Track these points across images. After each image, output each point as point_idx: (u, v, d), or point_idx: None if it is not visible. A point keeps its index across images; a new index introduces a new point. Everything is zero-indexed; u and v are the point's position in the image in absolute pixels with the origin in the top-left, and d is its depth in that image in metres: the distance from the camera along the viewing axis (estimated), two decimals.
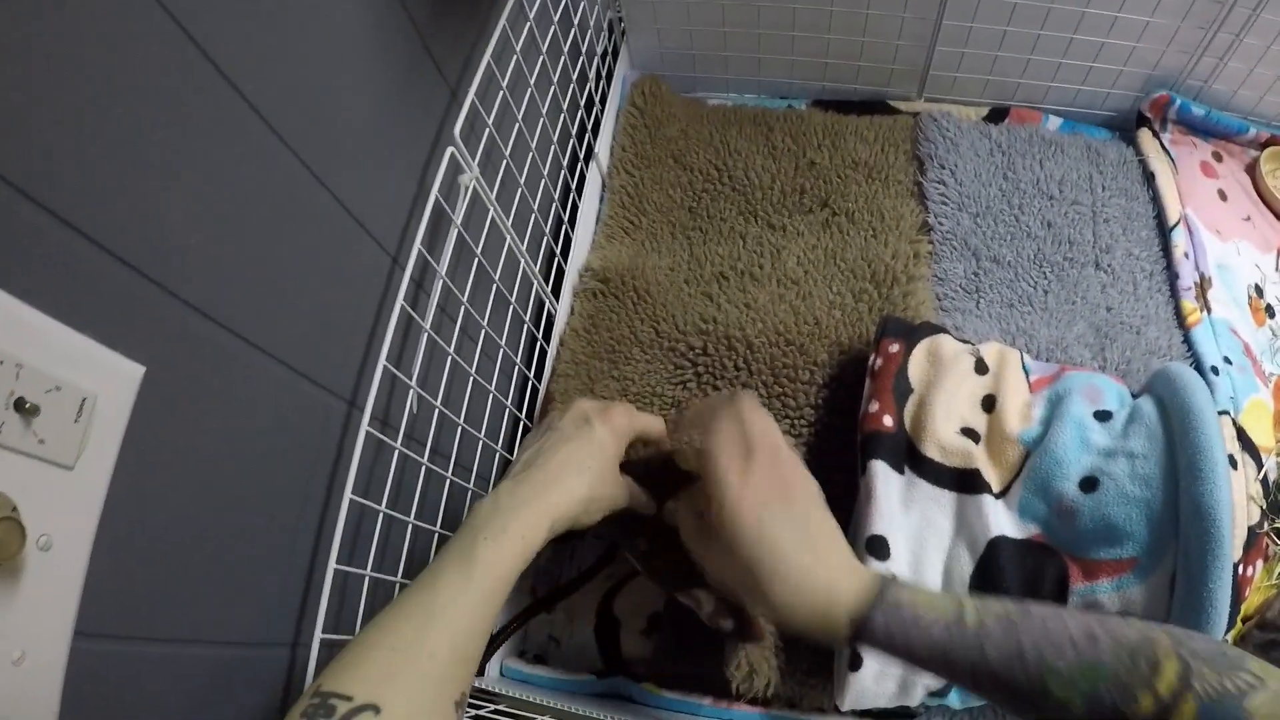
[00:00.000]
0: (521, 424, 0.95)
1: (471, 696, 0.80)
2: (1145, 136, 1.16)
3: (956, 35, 1.10)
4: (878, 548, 0.80)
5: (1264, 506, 0.92)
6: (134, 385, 0.48)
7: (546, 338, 1.00)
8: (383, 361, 0.67)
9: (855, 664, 0.77)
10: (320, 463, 0.68)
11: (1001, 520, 0.81)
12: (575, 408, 0.74)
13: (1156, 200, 1.11)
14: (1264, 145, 1.20)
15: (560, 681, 0.86)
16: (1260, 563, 0.92)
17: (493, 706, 0.79)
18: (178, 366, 0.51)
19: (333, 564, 0.61)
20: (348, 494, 0.63)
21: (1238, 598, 0.87)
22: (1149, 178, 1.13)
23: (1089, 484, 0.78)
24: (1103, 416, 0.83)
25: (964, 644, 0.56)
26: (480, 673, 0.85)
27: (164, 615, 0.53)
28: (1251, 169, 1.19)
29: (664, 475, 0.75)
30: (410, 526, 0.72)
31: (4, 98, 0.40)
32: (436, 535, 0.77)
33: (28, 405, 0.41)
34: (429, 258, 0.73)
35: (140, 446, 0.48)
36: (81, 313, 0.44)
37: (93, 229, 0.45)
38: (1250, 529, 0.88)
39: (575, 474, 0.68)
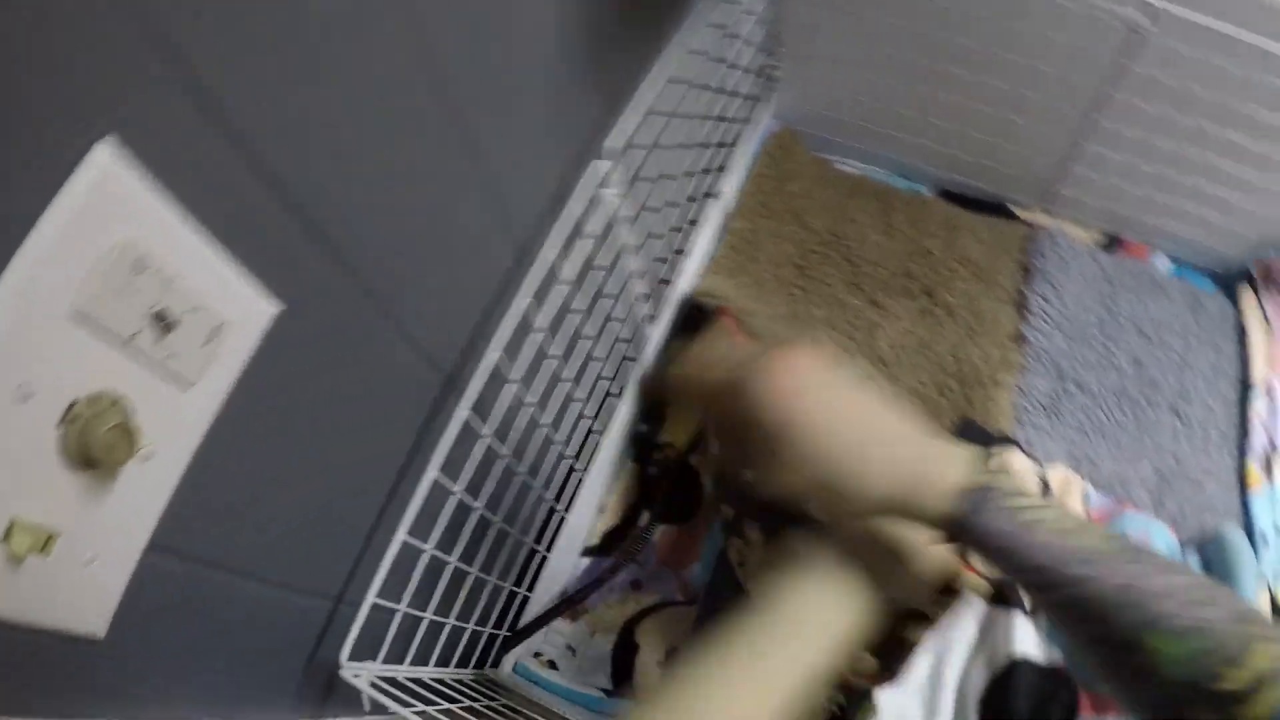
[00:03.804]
0: (600, 441, 0.92)
1: (482, 686, 0.78)
2: (1248, 296, 1.12)
3: (1091, 158, 1.06)
4: None
5: None
6: (266, 321, 0.47)
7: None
8: (495, 353, 0.65)
9: None
10: (410, 434, 0.66)
11: (1027, 641, 0.76)
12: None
13: (1244, 360, 1.07)
14: None
15: (567, 690, 0.83)
16: None
17: (503, 700, 0.76)
18: (309, 315, 0.50)
19: (403, 534, 0.58)
20: (433, 472, 0.61)
21: None
22: (1242, 336, 1.08)
23: None
24: None
25: (1072, 562, 0.49)
26: (495, 664, 0.82)
27: (230, 546, 0.51)
28: None
29: None
30: (479, 515, 0.69)
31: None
32: (495, 529, 0.74)
33: (167, 320, 0.40)
34: (555, 262, 0.71)
35: (255, 380, 0.46)
36: (238, 242, 0.43)
37: (267, 168, 0.43)
38: None
39: None
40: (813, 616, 0.59)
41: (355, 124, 0.50)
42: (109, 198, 0.36)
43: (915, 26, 1.00)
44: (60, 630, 0.41)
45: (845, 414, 0.54)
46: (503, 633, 0.82)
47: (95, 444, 0.38)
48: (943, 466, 0.53)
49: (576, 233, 0.72)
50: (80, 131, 0.34)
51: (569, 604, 0.87)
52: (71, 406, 0.37)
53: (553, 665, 0.86)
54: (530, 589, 0.87)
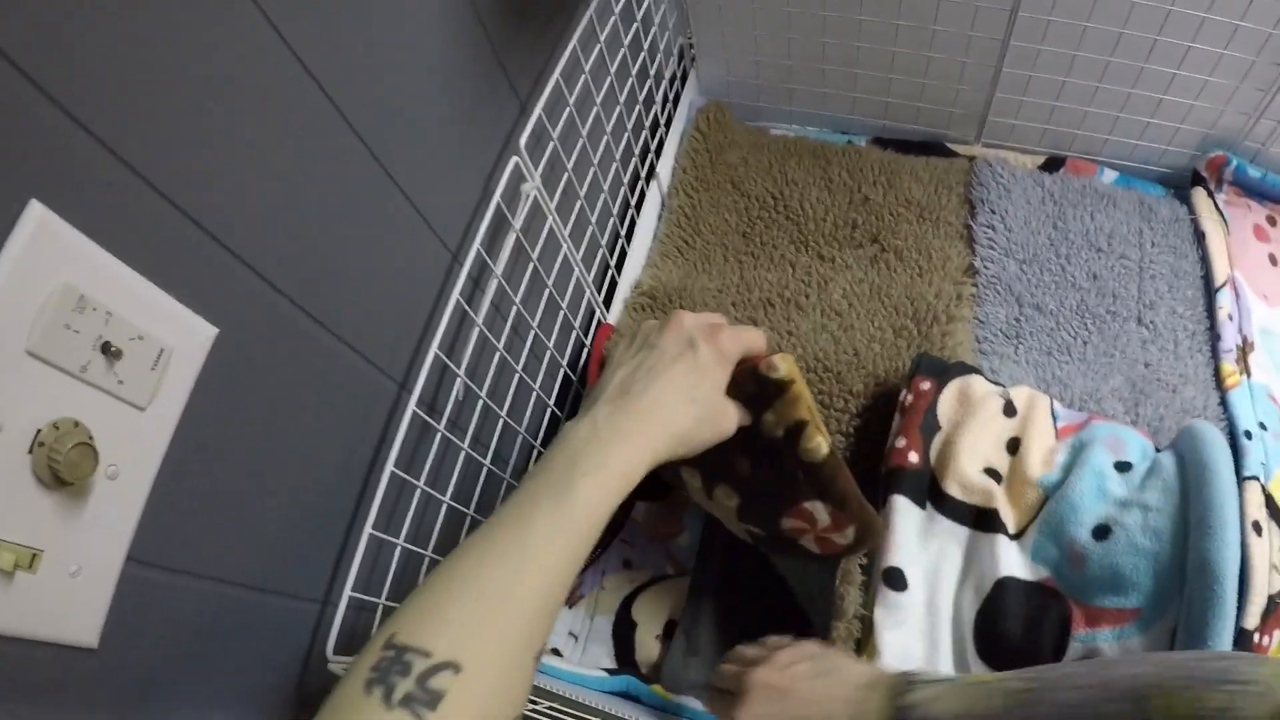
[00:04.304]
0: (563, 421, 0.99)
1: None
2: (1200, 196, 1.17)
3: (1016, 83, 1.13)
4: (895, 579, 0.83)
5: None
6: (207, 343, 0.54)
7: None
8: (434, 349, 0.72)
9: None
10: (368, 436, 0.73)
11: (1012, 561, 0.83)
12: (677, 324, 0.66)
13: (1205, 260, 1.12)
14: None
15: (573, 675, 0.89)
16: (1278, 633, 0.91)
17: None
18: (248, 332, 0.57)
19: (369, 529, 0.66)
20: (389, 466, 0.68)
21: None
22: (1199, 237, 1.14)
23: (1102, 532, 0.80)
24: (1123, 467, 0.85)
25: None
26: None
27: (207, 554, 0.58)
28: None
29: (759, 389, 0.67)
30: (445, 506, 0.77)
31: (128, 87, 0.45)
32: (469, 519, 0.81)
33: (112, 349, 0.47)
34: (487, 258, 0.78)
35: (207, 398, 0.54)
36: (169, 275, 0.50)
37: (188, 203, 0.51)
38: (1271, 598, 0.88)
39: (683, 403, 0.61)
40: None
41: (269, 161, 0.57)
42: (46, 248, 0.43)
43: None
44: (55, 641, 0.48)
45: None
46: None
47: (62, 464, 0.44)
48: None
49: (506, 228, 0.80)
50: (12, 193, 0.42)
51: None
52: (38, 434, 0.44)
53: (556, 653, 0.93)
54: None
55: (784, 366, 0.65)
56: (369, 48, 0.65)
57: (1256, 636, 0.87)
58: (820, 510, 0.72)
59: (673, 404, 0.60)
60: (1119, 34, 1.06)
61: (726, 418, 0.64)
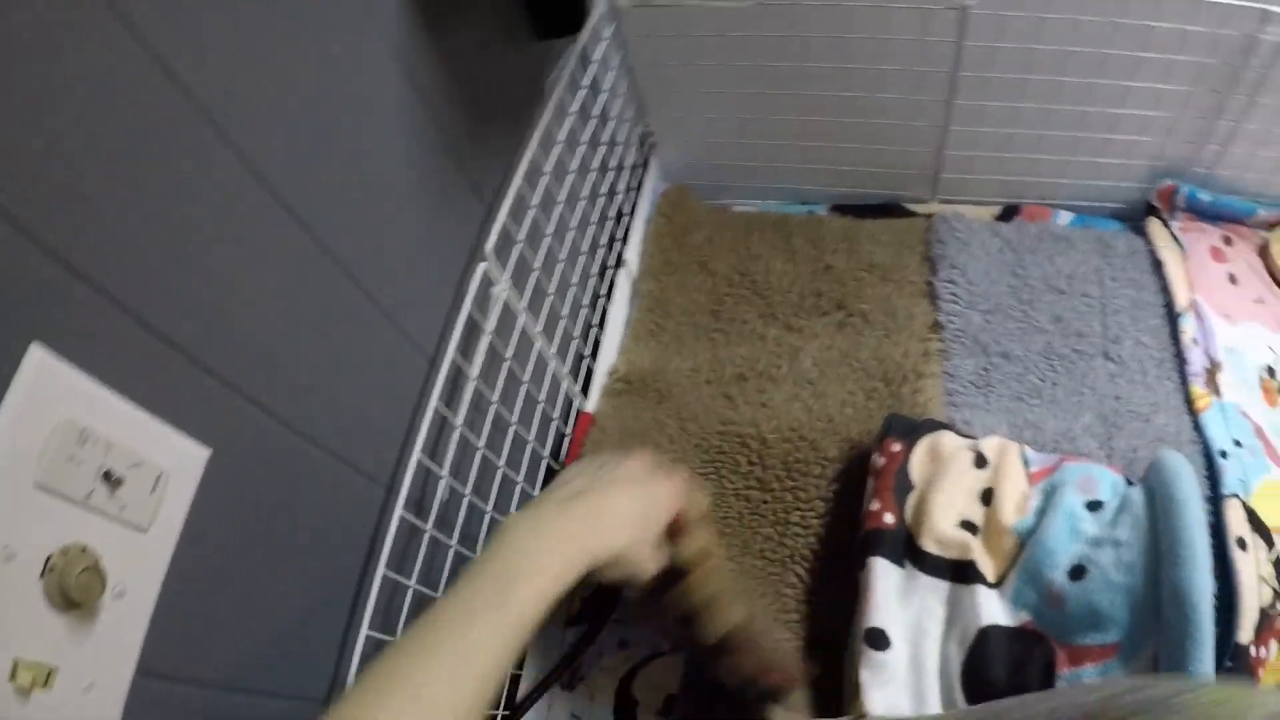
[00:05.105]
0: None
1: None
2: (1155, 226, 1.24)
3: (965, 139, 1.22)
4: (877, 639, 0.87)
5: (1276, 588, 0.95)
6: (201, 464, 0.61)
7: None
8: (416, 455, 0.79)
9: None
10: (359, 539, 0.80)
11: (994, 609, 0.87)
12: (643, 454, 0.71)
13: (1165, 288, 1.19)
14: (1274, 225, 1.27)
15: None
16: (1274, 643, 0.95)
17: None
18: (239, 450, 0.64)
19: (364, 629, 0.71)
20: (380, 569, 0.73)
21: (1252, 679, 0.91)
22: (1158, 266, 1.21)
23: (1077, 572, 0.85)
24: (1094, 506, 0.90)
25: None
26: None
27: (213, 664, 0.65)
28: (1263, 250, 1.26)
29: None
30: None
31: (118, 230, 0.53)
32: None
33: (114, 477, 0.53)
34: (461, 363, 0.86)
35: (204, 515, 0.60)
36: (163, 402, 0.57)
37: (175, 334, 0.58)
38: (1262, 610, 0.92)
39: (626, 522, 0.64)
40: None
41: (250, 288, 0.65)
42: (47, 387, 0.51)
43: (759, 63, 1.17)
44: None
45: None
46: (500, 713, 0.93)
47: (73, 587, 0.51)
48: None
49: (480, 332, 0.87)
50: (14, 338, 0.49)
51: (556, 675, 0.97)
52: (49, 559, 0.50)
53: None
54: (519, 667, 0.99)
55: (691, 548, 0.71)
56: (338, 173, 0.73)
57: (1252, 650, 0.90)
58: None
59: (617, 519, 0.64)
60: (1059, 81, 1.14)
61: (652, 559, 0.67)
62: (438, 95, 0.86)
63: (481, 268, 0.86)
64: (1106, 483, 0.93)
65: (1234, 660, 0.89)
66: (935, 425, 0.99)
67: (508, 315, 0.93)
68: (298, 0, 0.67)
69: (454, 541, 0.85)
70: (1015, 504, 0.92)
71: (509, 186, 0.94)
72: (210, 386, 0.61)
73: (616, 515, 0.64)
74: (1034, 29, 1.08)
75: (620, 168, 1.27)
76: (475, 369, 0.87)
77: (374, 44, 0.77)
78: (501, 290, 0.90)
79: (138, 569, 0.56)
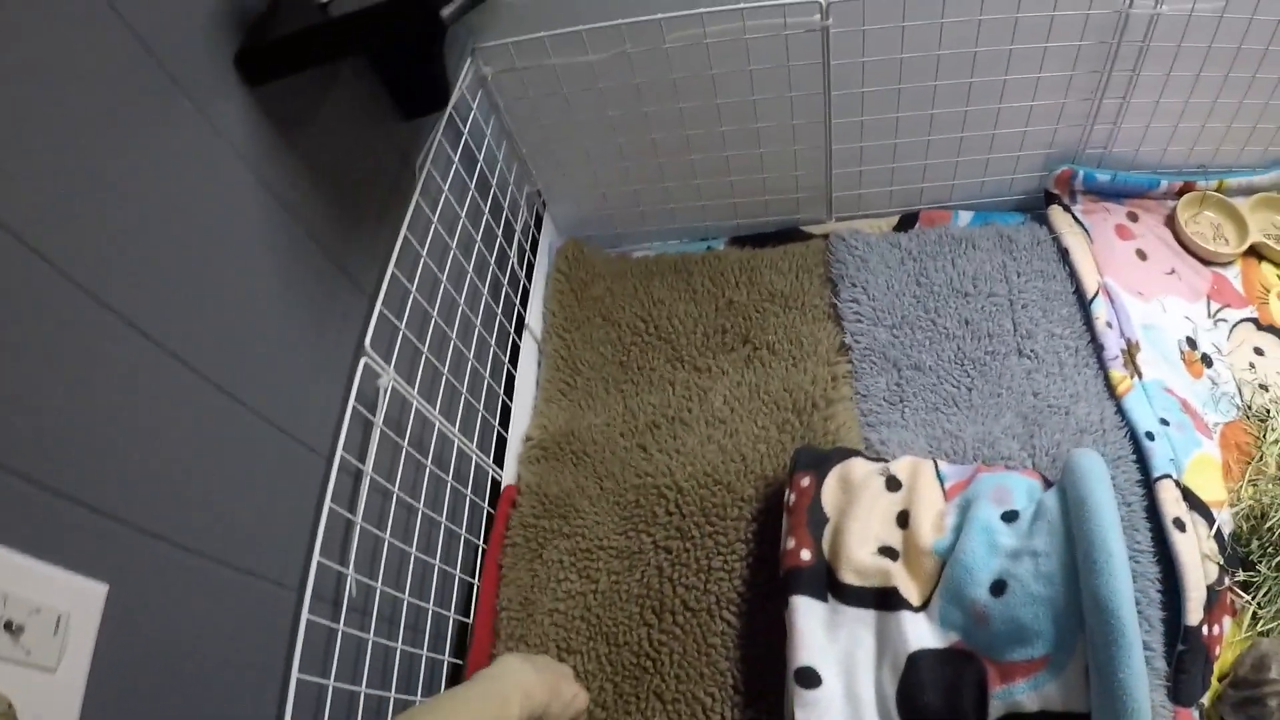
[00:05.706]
0: (475, 589, 1.12)
1: None
2: (1056, 213, 1.29)
3: (849, 156, 1.26)
4: (807, 678, 0.91)
5: (1221, 563, 1.00)
6: (100, 600, 0.65)
7: (494, 505, 1.16)
8: (316, 557, 0.84)
9: None
10: (275, 644, 0.82)
11: (922, 633, 0.91)
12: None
13: (1074, 275, 1.22)
14: (1179, 194, 1.31)
15: None
16: (1228, 619, 1.01)
17: None
18: (137, 581, 0.66)
19: None
20: (294, 674, 0.81)
21: (1208, 659, 0.96)
22: (1064, 254, 1.25)
23: (998, 588, 0.88)
24: (1010, 517, 0.94)
25: None
26: None
27: None
28: (1171, 220, 1.30)
29: None
30: (363, 695, 0.90)
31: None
32: (392, 700, 0.95)
33: (14, 626, 0.61)
34: (353, 460, 0.89)
35: (114, 646, 0.63)
36: (54, 547, 0.60)
37: (61, 482, 0.62)
38: (1210, 588, 0.98)
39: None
40: None
41: (132, 427, 0.68)
42: None
43: (633, 110, 1.21)
44: None
45: None
46: None
47: None
48: None
49: (371, 424, 0.96)
50: None
51: None
52: None
53: None
54: None
55: None
56: (209, 300, 0.77)
57: (1204, 629, 0.96)
58: None
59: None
60: (934, 86, 1.19)
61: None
62: (302, 201, 0.90)
63: (363, 362, 0.90)
64: (1021, 490, 0.97)
65: (1186, 643, 0.95)
66: (844, 453, 1.02)
67: (404, 403, 0.98)
68: (138, 144, 0.71)
69: (370, 633, 0.89)
70: (932, 523, 0.95)
71: (384, 277, 0.98)
72: (101, 525, 0.64)
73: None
74: (897, 39, 1.12)
75: (511, 231, 1.30)
76: (369, 463, 0.90)
77: (230, 165, 0.82)
78: (387, 381, 0.93)
79: (52, 708, 0.61)
